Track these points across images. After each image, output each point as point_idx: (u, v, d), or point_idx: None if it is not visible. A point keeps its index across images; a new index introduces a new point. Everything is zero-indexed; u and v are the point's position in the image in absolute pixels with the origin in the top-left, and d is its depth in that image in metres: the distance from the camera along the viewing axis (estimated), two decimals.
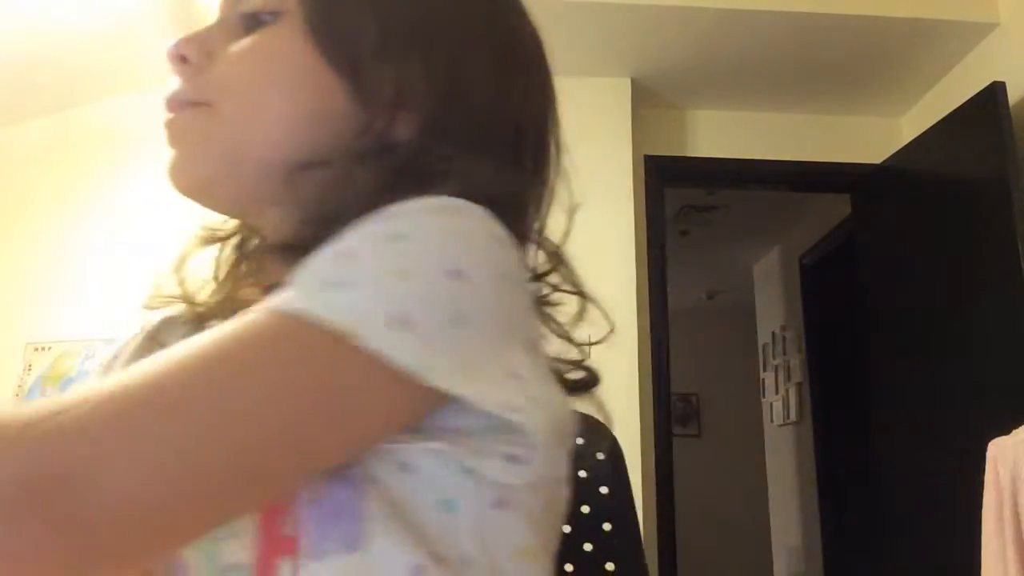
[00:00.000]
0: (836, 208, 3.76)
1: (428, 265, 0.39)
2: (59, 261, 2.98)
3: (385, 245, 0.40)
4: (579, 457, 0.78)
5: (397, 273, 0.39)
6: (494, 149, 0.52)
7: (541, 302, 0.56)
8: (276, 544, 0.40)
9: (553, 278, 0.57)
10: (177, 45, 0.53)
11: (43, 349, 2.95)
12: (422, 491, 0.41)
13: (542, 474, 0.45)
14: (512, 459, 0.40)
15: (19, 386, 2.94)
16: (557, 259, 0.57)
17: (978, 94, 2.53)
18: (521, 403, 0.39)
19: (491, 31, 0.54)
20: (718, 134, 3.23)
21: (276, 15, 0.51)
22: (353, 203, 0.43)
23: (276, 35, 0.51)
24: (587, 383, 0.59)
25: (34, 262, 3.02)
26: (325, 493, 0.40)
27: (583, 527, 0.77)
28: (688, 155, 3.21)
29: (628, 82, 2.98)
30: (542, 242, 0.57)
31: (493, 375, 0.39)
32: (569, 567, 0.77)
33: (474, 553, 0.41)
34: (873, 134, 3.21)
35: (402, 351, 0.37)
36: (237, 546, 0.40)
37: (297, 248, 0.42)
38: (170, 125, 0.53)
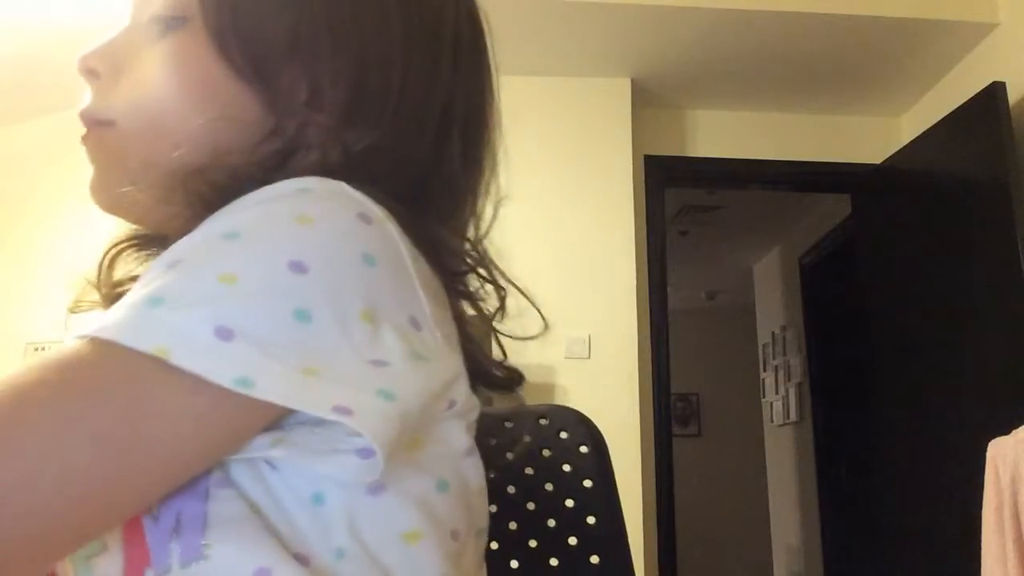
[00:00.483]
0: (836, 208, 3.76)
1: (261, 263, 0.38)
2: (59, 261, 2.98)
3: (216, 247, 0.39)
4: (563, 451, 0.78)
5: (225, 277, 0.37)
6: (412, 138, 0.50)
7: (470, 296, 0.54)
8: (142, 555, 0.39)
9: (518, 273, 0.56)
10: (86, 58, 0.51)
11: (43, 349, 2.95)
12: (288, 488, 0.39)
13: (441, 453, 0.44)
14: (365, 452, 0.38)
15: None
16: (477, 253, 0.54)
17: (978, 94, 2.53)
18: (358, 401, 0.37)
19: (407, 19, 0.51)
20: (718, 134, 3.23)
21: (183, 20, 0.49)
22: (232, 196, 0.42)
23: (179, 45, 0.49)
24: (510, 382, 0.57)
25: (34, 262, 3.02)
26: (165, 508, 0.39)
27: (567, 521, 0.77)
28: (688, 155, 3.21)
29: (628, 82, 2.98)
30: (470, 233, 0.55)
31: (342, 369, 0.38)
32: (554, 561, 0.77)
33: (347, 544, 0.40)
34: (873, 134, 3.21)
35: (221, 367, 0.35)
36: (107, 561, 0.39)
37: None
38: (84, 143, 0.52)
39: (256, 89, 0.48)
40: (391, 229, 0.42)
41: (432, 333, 0.43)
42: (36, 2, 2.60)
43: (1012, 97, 2.46)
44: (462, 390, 0.46)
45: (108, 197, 0.52)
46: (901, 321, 2.87)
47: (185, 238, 0.40)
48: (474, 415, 0.48)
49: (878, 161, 3.05)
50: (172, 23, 0.49)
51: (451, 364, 0.45)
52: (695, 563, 5.05)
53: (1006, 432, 1.93)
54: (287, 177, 0.42)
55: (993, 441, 1.94)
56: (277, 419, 0.39)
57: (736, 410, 6.08)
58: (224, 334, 0.36)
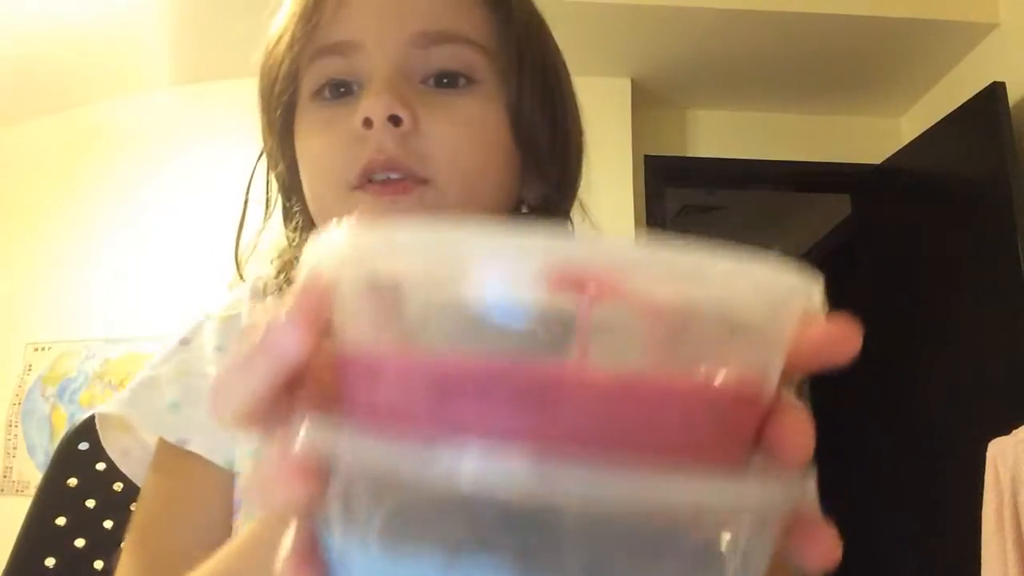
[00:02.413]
0: (836, 208, 3.76)
1: None
2: (59, 261, 2.98)
3: None
4: None
5: None
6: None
7: None
8: None
9: None
10: (392, 104, 0.51)
11: (43, 349, 2.95)
12: None
13: None
14: None
15: (19, 386, 2.94)
16: None
17: (978, 94, 2.53)
18: None
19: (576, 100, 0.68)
20: (718, 134, 3.23)
21: (471, 82, 0.54)
22: None
23: (483, 108, 0.54)
24: None
25: (34, 262, 3.02)
26: None
27: None
28: (688, 155, 3.21)
29: (628, 82, 2.98)
30: None
31: None
32: None
33: None
34: (873, 134, 3.21)
35: None
36: None
37: None
38: (397, 207, 0.53)
39: (522, 161, 0.58)
40: None
41: None
42: (37, 2, 2.60)
43: (1012, 97, 2.46)
44: None
45: None
46: (901, 321, 2.87)
47: None
48: None
49: (878, 161, 3.05)
50: (463, 80, 0.55)
51: None
52: None
53: (1006, 432, 1.93)
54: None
55: (993, 441, 1.94)
56: None
57: None
58: None
